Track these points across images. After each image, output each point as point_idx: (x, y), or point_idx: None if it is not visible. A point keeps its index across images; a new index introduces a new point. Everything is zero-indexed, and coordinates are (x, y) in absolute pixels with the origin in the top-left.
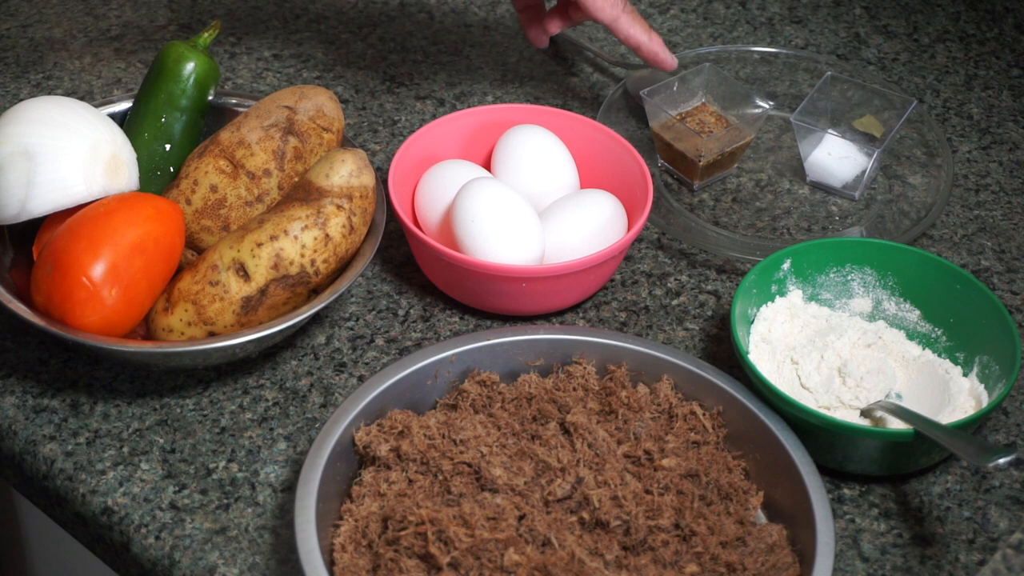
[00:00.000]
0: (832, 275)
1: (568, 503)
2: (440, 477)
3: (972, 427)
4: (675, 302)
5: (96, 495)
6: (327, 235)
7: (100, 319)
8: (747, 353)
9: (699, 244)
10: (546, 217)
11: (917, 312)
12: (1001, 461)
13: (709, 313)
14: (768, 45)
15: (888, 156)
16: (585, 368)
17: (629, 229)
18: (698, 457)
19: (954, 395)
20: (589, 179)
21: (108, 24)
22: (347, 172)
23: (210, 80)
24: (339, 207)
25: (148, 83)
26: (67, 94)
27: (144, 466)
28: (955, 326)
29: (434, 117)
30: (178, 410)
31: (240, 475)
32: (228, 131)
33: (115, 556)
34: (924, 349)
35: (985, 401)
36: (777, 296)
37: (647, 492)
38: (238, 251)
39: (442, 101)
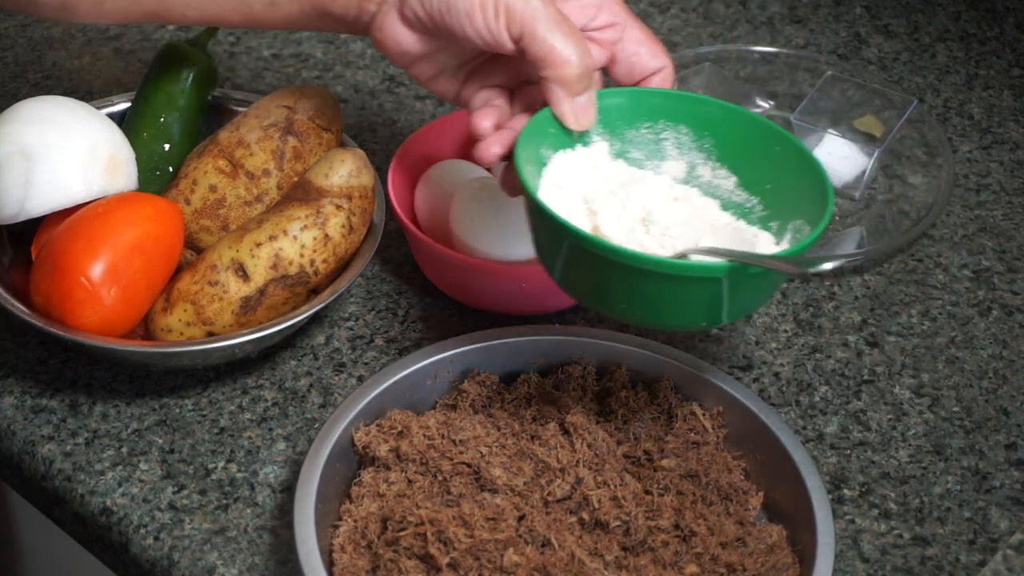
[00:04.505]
0: (644, 131)
1: (568, 503)
2: (440, 477)
3: (786, 261)
4: None
5: (95, 495)
6: (326, 235)
7: (99, 319)
8: (536, 190)
9: None
10: None
11: (734, 179)
12: (826, 267)
13: None
14: (768, 45)
15: (888, 156)
16: (585, 368)
17: None
18: (698, 457)
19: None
20: None
21: (107, 24)
22: (346, 172)
23: (209, 80)
24: (338, 207)
25: (147, 83)
26: (66, 94)
27: (143, 466)
28: (771, 192)
29: (434, 117)
30: (177, 410)
31: (239, 475)
32: (227, 131)
33: (114, 557)
34: (738, 220)
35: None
36: (578, 144)
37: (647, 492)
38: (237, 251)
39: (442, 101)
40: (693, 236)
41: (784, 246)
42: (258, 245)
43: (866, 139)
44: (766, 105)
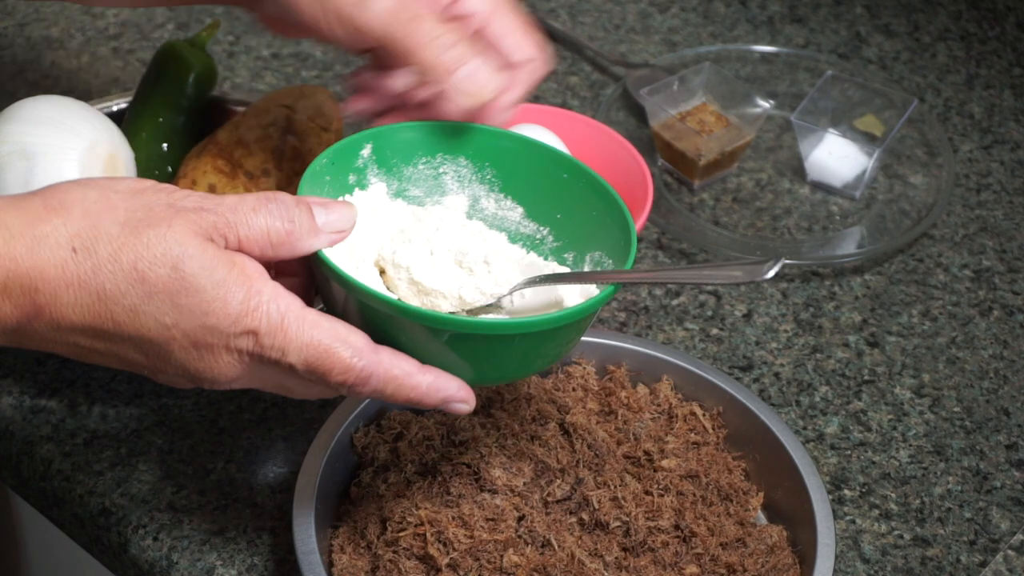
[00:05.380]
0: (422, 167)
1: (568, 504)
2: (439, 478)
3: (572, 320)
4: (675, 302)
5: (94, 496)
6: None
7: None
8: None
9: (699, 244)
10: None
11: (520, 210)
12: (774, 270)
13: (709, 313)
14: (768, 44)
15: (889, 155)
16: (585, 368)
17: None
18: (698, 458)
19: (564, 299)
20: None
21: (106, 23)
22: None
23: (208, 79)
24: None
25: (146, 82)
26: (65, 93)
27: (142, 467)
28: (563, 222)
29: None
30: (176, 411)
31: (238, 476)
32: (226, 131)
33: (113, 557)
34: (529, 252)
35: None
36: (357, 189)
37: (647, 493)
38: None
39: None
40: (517, 270)
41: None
42: None
43: (866, 139)
44: (766, 104)
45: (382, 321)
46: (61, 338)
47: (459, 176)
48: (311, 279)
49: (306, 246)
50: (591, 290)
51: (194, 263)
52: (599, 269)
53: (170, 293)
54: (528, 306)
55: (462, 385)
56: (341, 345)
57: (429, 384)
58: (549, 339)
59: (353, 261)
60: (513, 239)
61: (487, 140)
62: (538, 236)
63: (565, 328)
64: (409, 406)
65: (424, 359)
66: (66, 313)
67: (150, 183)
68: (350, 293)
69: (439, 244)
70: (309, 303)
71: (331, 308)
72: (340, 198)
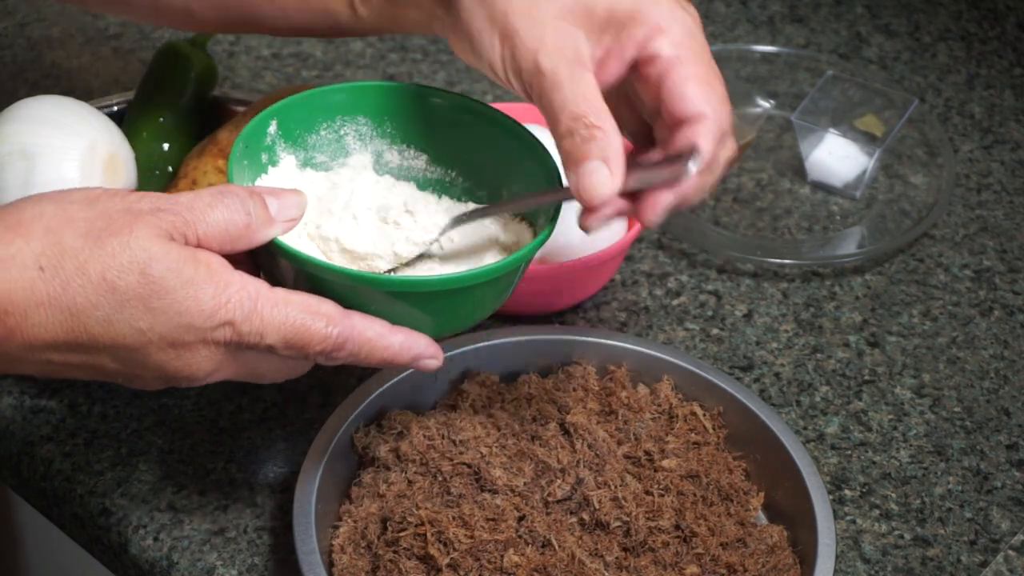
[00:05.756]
0: (324, 133)
1: (568, 504)
2: (440, 478)
3: (524, 262)
4: (675, 302)
5: (94, 496)
6: None
7: None
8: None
9: (699, 244)
10: None
11: (424, 156)
12: (695, 166)
13: (709, 313)
14: (769, 44)
15: (889, 155)
16: (585, 368)
17: (629, 229)
18: (698, 458)
19: (491, 237)
20: None
21: (106, 23)
22: None
23: (208, 79)
24: None
25: (146, 82)
26: (65, 93)
27: (142, 467)
28: (471, 162)
29: None
30: (176, 411)
31: (239, 476)
32: (227, 130)
33: (113, 557)
34: (441, 197)
35: (528, 237)
36: (269, 166)
37: (647, 493)
38: None
39: None
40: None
41: (506, 218)
42: None
43: (867, 139)
44: (767, 104)
45: (343, 293)
46: (33, 357)
47: (360, 135)
48: (253, 262)
49: (263, 236)
50: (518, 226)
51: (161, 265)
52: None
53: (142, 298)
54: (461, 247)
55: (430, 342)
56: (314, 317)
57: (401, 343)
58: (504, 282)
59: (289, 239)
60: (422, 186)
61: (384, 96)
62: (447, 179)
63: (517, 269)
64: (383, 366)
65: (387, 318)
66: (38, 332)
67: (100, 190)
68: (305, 269)
69: (359, 206)
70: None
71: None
72: (257, 178)
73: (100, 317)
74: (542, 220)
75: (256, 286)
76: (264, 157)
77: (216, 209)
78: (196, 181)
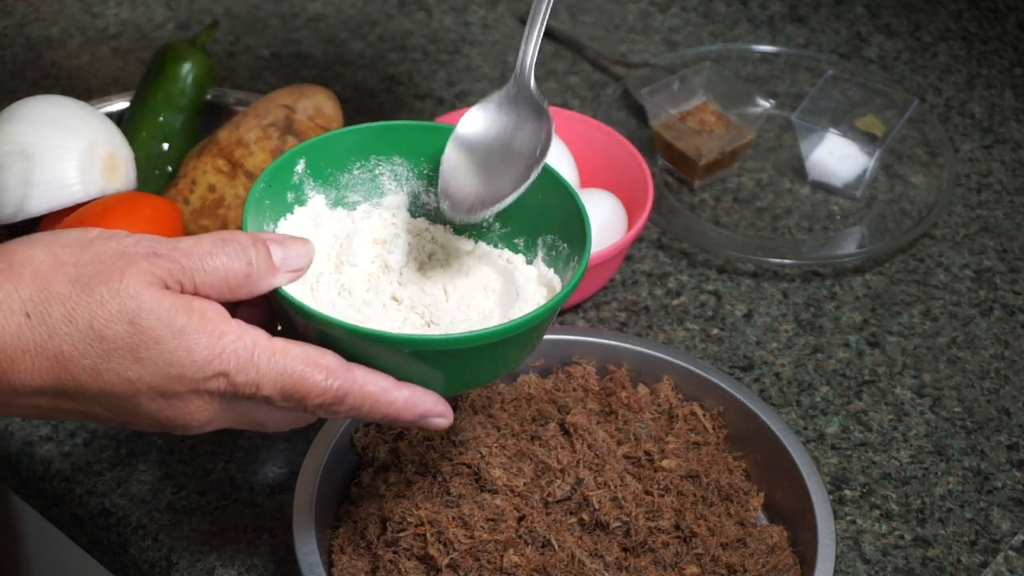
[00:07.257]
0: (357, 172)
1: (568, 504)
2: (439, 478)
3: (551, 315)
4: (675, 302)
5: (94, 496)
6: None
7: None
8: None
9: (699, 244)
10: None
11: None
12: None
13: (709, 313)
14: (769, 44)
15: (889, 155)
16: (585, 368)
17: (629, 229)
18: (698, 458)
19: (522, 287)
20: (589, 178)
21: (106, 23)
22: None
23: (208, 79)
24: None
25: (146, 82)
26: (64, 93)
27: (142, 467)
28: (508, 208)
29: (433, 116)
30: None
31: (238, 476)
32: (226, 130)
33: (113, 558)
34: (476, 242)
35: (558, 286)
36: (296, 206)
37: (647, 493)
38: None
39: (441, 100)
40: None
41: (540, 264)
42: None
43: (867, 138)
44: (767, 104)
45: (345, 346)
46: (21, 402)
47: (395, 175)
48: (270, 307)
49: (264, 286)
50: (548, 275)
51: (151, 316)
52: (554, 252)
53: (130, 348)
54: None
55: (438, 399)
56: (314, 369)
57: (406, 399)
58: (520, 342)
59: (308, 282)
60: (459, 230)
61: (418, 136)
62: (484, 225)
63: (533, 329)
64: (387, 423)
65: (397, 375)
66: (25, 379)
67: (96, 231)
68: (311, 323)
69: (384, 251)
70: (272, 330)
71: (294, 335)
72: (282, 218)
73: (87, 365)
74: (561, 265)
75: (253, 336)
76: (290, 196)
77: (216, 256)
78: (195, 181)
